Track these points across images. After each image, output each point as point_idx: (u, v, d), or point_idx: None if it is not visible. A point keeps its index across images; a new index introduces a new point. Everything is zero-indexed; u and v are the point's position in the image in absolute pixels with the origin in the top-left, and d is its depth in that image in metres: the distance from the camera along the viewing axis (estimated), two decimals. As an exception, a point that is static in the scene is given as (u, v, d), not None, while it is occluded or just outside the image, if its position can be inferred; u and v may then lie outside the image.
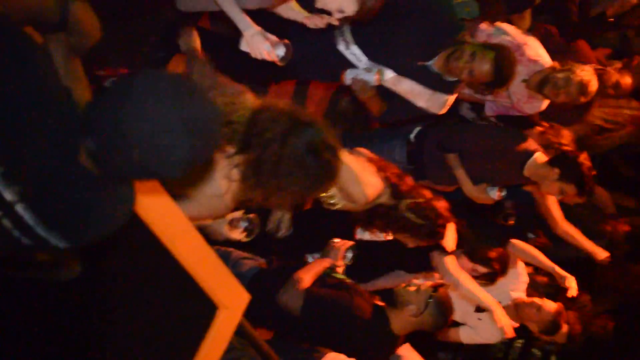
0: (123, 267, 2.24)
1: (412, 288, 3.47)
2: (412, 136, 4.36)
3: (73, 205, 1.53)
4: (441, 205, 3.40)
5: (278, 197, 2.38)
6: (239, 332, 2.55)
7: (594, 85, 4.11)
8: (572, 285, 4.46)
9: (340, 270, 3.55)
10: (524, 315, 4.40)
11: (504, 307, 4.16)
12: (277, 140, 2.30)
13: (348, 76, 3.59)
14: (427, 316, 3.40)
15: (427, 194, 3.37)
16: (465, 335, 4.39)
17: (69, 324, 2.13)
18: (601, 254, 4.67)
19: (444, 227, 3.42)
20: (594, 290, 5.57)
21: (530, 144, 4.23)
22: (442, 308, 3.44)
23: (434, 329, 3.50)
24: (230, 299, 2.48)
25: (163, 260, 2.26)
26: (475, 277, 4.01)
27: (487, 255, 3.98)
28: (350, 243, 3.56)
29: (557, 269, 4.49)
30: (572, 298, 4.78)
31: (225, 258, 3.31)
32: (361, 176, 3.12)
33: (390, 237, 3.58)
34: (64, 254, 1.91)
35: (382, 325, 3.43)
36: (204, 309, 2.43)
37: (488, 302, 3.85)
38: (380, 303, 3.52)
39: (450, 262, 3.84)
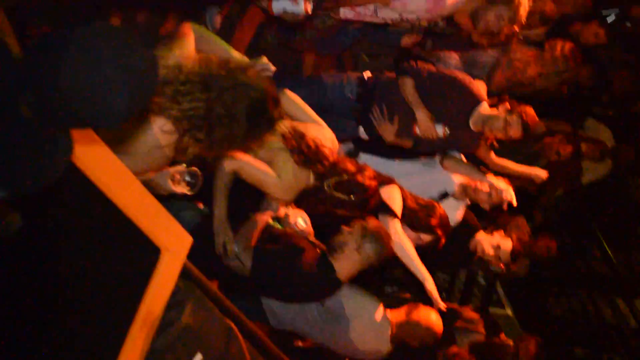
0: (61, 216, 2.23)
1: (345, 231, 3.55)
2: (366, 75, 4.37)
3: (13, 154, 1.54)
4: (367, 175, 3.42)
5: (216, 150, 2.50)
6: (184, 274, 2.58)
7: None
8: (511, 195, 4.54)
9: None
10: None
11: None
12: (220, 100, 2.40)
13: (275, 7, 3.56)
14: (368, 250, 3.48)
15: (350, 167, 3.40)
16: None
17: (11, 278, 2.13)
18: (541, 173, 4.78)
19: (373, 196, 3.47)
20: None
21: (482, 90, 4.30)
22: (378, 237, 3.50)
23: (378, 260, 3.54)
24: (173, 242, 2.50)
25: (101, 206, 2.26)
26: (421, 246, 4.06)
27: (429, 223, 4.00)
28: None
29: (494, 181, 4.54)
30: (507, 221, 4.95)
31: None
32: (278, 179, 3.24)
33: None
34: (3, 205, 1.91)
35: (328, 273, 3.50)
36: (147, 253, 2.45)
37: (424, 275, 3.92)
38: (324, 248, 3.59)
39: (396, 226, 3.88)
